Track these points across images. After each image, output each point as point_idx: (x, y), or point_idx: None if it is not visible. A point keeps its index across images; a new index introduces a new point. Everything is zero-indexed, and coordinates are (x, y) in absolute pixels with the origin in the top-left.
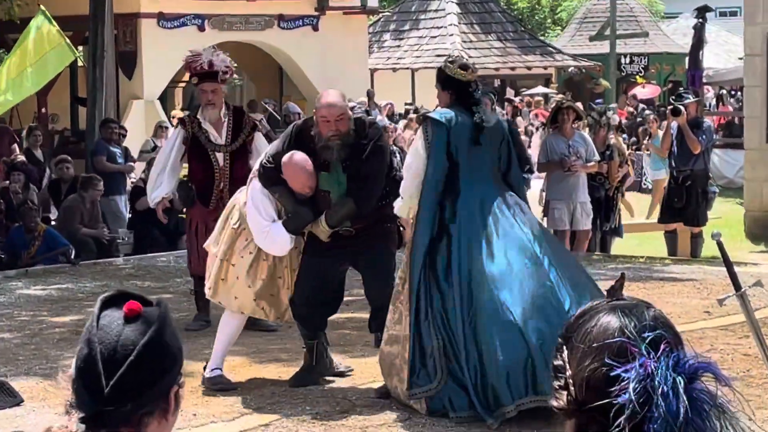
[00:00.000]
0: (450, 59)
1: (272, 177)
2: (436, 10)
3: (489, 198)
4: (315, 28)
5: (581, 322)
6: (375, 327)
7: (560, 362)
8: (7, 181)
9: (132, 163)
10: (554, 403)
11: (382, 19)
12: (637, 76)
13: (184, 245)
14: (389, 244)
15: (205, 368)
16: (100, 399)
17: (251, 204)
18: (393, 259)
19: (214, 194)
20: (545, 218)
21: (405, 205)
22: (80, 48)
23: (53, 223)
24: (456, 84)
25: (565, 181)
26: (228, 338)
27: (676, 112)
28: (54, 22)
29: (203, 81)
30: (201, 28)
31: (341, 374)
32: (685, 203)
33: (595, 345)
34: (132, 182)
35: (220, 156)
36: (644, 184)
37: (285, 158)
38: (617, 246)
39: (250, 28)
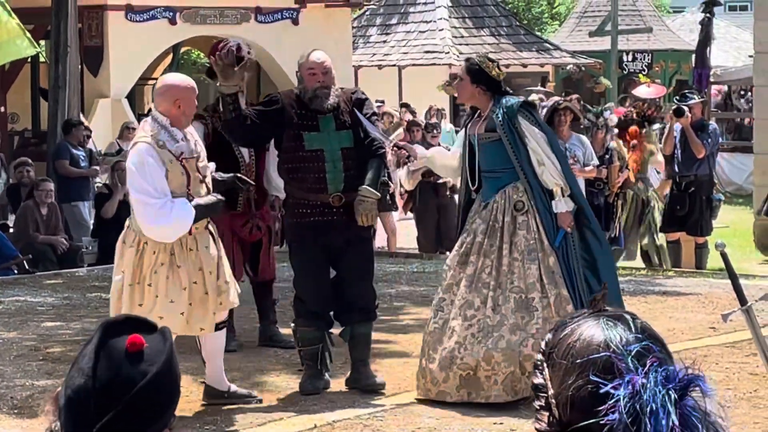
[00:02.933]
0: (480, 56)
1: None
2: (425, 3)
3: None
4: (295, 22)
5: (562, 336)
6: (351, 320)
7: (541, 380)
8: None
9: (97, 167)
10: (536, 425)
11: (367, 13)
12: (640, 75)
13: None
14: (372, 239)
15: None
16: None
17: (136, 172)
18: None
19: (241, 195)
20: None
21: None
22: (42, 43)
23: (11, 230)
24: (488, 79)
25: None
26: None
27: (679, 113)
28: (14, 15)
29: None
30: (172, 22)
31: (375, 389)
32: (688, 211)
33: (579, 361)
34: (97, 187)
35: (245, 151)
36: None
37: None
38: (617, 257)
39: (225, 22)
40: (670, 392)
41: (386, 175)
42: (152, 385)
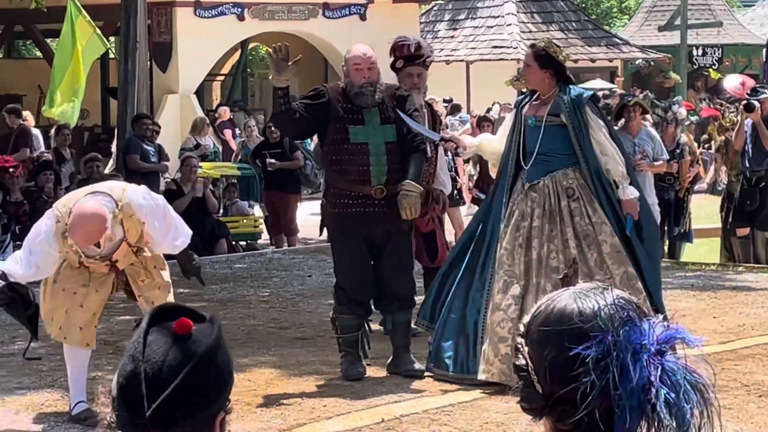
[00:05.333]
0: (545, 41)
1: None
2: None
3: None
4: (363, 18)
5: (537, 313)
6: (392, 310)
7: (522, 361)
8: (33, 182)
9: (166, 162)
10: (522, 404)
11: (435, 8)
12: (710, 69)
13: (221, 250)
14: (410, 229)
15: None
16: (140, 421)
17: (35, 229)
18: (412, 247)
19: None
20: None
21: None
22: (111, 39)
23: None
24: (556, 64)
25: None
26: (81, 367)
27: (749, 108)
28: (84, 12)
29: (408, 64)
30: (240, 18)
31: (415, 375)
32: (758, 206)
33: (553, 331)
34: (165, 182)
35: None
36: (719, 186)
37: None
38: (687, 252)
39: (293, 18)
40: (648, 347)
41: (454, 170)
42: (202, 364)
